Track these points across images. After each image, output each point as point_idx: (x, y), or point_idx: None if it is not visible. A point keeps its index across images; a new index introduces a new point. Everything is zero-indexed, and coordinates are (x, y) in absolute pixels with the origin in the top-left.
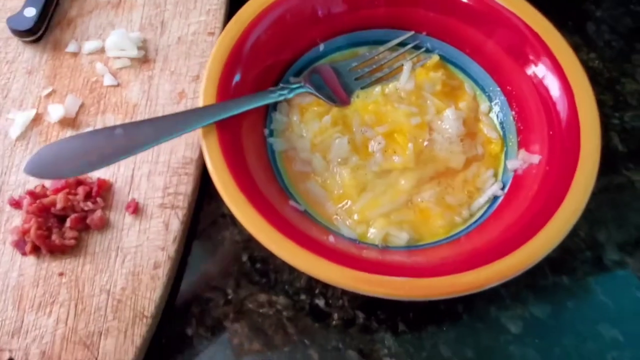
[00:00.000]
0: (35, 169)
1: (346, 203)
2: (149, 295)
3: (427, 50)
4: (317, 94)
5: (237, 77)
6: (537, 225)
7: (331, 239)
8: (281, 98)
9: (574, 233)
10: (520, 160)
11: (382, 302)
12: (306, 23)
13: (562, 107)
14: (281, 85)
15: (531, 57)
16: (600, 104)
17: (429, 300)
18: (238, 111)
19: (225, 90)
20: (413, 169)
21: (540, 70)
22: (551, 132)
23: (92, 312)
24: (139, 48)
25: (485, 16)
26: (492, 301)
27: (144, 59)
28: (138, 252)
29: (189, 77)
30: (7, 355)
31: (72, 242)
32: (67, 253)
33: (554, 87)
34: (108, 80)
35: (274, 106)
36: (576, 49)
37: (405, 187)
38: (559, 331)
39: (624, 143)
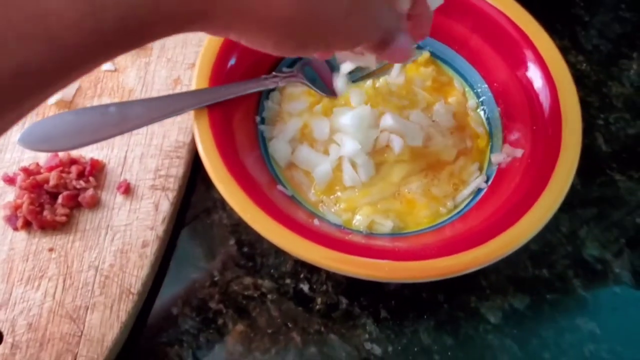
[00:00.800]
0: (29, 141)
1: (335, 193)
2: (136, 273)
3: (418, 47)
4: (308, 83)
5: (230, 64)
6: (517, 214)
7: (316, 222)
8: (272, 86)
9: (555, 228)
10: (504, 154)
11: (365, 289)
12: None
13: (544, 101)
14: (274, 73)
15: (515, 52)
16: (587, 106)
17: (410, 288)
18: (230, 96)
19: (218, 76)
20: (407, 161)
21: (524, 65)
22: (534, 127)
23: (79, 287)
24: None
25: (470, 11)
26: (473, 291)
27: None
28: (127, 231)
29: (185, 64)
30: None
31: (64, 218)
32: (58, 229)
33: (537, 81)
34: (106, 65)
35: (266, 94)
36: (565, 52)
37: (396, 179)
38: (538, 323)
39: (608, 144)
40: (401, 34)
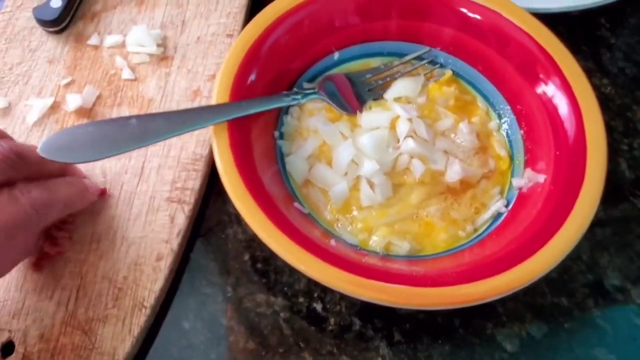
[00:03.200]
0: (49, 150)
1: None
2: (150, 286)
3: (441, 66)
4: (329, 101)
5: (251, 78)
6: (538, 243)
7: (332, 243)
8: (294, 102)
9: (576, 256)
10: (526, 178)
11: (379, 311)
12: (323, 31)
13: (569, 127)
14: (295, 89)
15: (541, 76)
16: (611, 130)
17: (426, 312)
18: (251, 112)
19: (239, 90)
20: (427, 183)
21: (549, 89)
22: (558, 152)
23: (93, 298)
24: (159, 45)
25: (496, 33)
26: (489, 318)
27: (162, 55)
28: (142, 243)
29: (205, 76)
30: (6, 335)
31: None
32: (73, 239)
33: (562, 106)
34: (126, 74)
35: (286, 109)
36: (589, 74)
37: (415, 201)
38: (555, 352)
39: (632, 170)
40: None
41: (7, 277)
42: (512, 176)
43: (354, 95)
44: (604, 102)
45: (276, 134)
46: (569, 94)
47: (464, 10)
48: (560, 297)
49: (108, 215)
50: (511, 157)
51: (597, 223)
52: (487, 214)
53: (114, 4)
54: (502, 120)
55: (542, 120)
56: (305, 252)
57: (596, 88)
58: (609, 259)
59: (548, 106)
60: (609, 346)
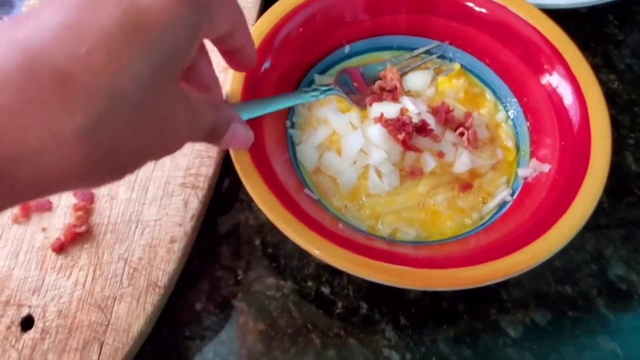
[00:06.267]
0: None
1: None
2: (164, 267)
3: (450, 60)
4: (346, 97)
5: (265, 66)
6: (542, 229)
7: (340, 226)
8: (313, 99)
9: (581, 247)
10: (531, 168)
11: (385, 295)
12: (334, 24)
13: (574, 117)
14: (313, 86)
15: (546, 67)
16: (617, 124)
17: (431, 297)
18: (275, 109)
19: (253, 79)
20: (436, 174)
21: (554, 79)
22: (563, 142)
23: (109, 277)
24: None
25: (501, 25)
26: (493, 304)
27: None
28: (157, 226)
29: (219, 67)
30: (26, 310)
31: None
32: (91, 221)
33: (567, 96)
34: None
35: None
36: (597, 70)
37: (422, 190)
38: (558, 339)
39: (638, 163)
40: (228, 126)
41: (28, 255)
42: (518, 166)
43: (367, 89)
44: (612, 98)
45: (287, 123)
46: (574, 83)
47: (470, 4)
48: (565, 285)
49: (124, 199)
50: (517, 148)
51: (602, 214)
52: (493, 203)
53: None
54: (509, 113)
55: (548, 111)
56: (316, 235)
57: (603, 84)
58: (614, 249)
59: (553, 97)
60: (613, 334)
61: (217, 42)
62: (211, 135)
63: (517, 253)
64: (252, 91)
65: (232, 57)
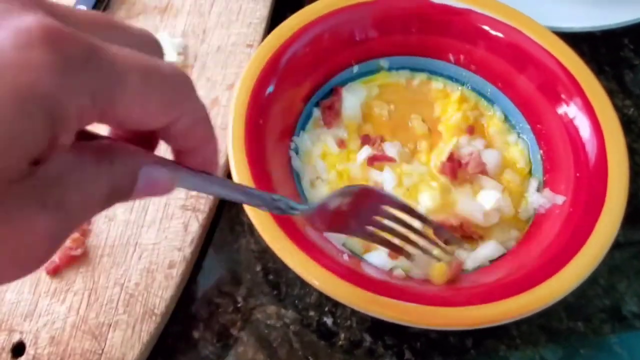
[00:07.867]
0: None
1: None
2: (161, 294)
3: (458, 82)
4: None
5: (269, 89)
6: (555, 266)
7: (345, 257)
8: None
9: (593, 280)
10: (544, 198)
11: (390, 328)
12: (343, 44)
13: (591, 150)
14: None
15: (563, 97)
16: (633, 152)
17: (437, 331)
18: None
19: (257, 100)
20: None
21: (571, 110)
22: (578, 174)
23: (104, 303)
24: (179, 54)
25: (517, 51)
26: (502, 339)
27: (182, 64)
28: (155, 250)
29: (224, 85)
30: (17, 336)
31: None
32: (88, 243)
33: (584, 128)
34: None
35: (302, 126)
36: (612, 95)
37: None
38: None
39: None
40: (136, 176)
41: (21, 279)
42: (529, 194)
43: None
44: (626, 124)
45: (291, 153)
46: (591, 115)
47: (486, 27)
48: (577, 321)
49: (122, 220)
50: (530, 175)
51: (615, 246)
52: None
53: (137, 12)
54: (521, 140)
55: (562, 141)
56: (318, 266)
57: (618, 109)
58: (627, 283)
59: (569, 127)
60: None
61: (162, 136)
62: (116, 196)
63: (528, 292)
64: (257, 118)
65: (186, 158)
